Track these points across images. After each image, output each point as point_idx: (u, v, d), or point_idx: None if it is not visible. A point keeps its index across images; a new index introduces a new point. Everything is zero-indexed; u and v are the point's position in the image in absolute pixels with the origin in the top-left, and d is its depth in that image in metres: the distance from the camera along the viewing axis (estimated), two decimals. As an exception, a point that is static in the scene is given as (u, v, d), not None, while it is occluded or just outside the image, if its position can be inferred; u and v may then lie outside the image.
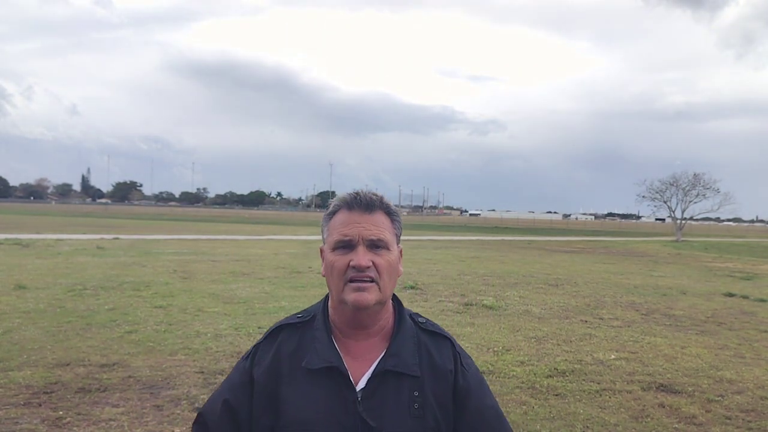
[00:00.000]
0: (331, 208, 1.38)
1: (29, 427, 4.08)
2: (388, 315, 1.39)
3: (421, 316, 1.45)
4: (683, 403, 5.08)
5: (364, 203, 1.34)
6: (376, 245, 1.32)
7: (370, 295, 1.29)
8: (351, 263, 1.29)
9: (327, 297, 1.43)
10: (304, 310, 1.45)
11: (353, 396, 1.29)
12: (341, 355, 1.33)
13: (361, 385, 1.31)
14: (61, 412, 4.34)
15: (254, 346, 1.42)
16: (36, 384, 4.92)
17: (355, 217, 1.33)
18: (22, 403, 4.50)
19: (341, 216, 1.35)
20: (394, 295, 1.42)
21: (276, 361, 1.35)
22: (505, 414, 1.45)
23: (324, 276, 1.36)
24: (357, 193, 1.36)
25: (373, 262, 1.30)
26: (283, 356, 1.36)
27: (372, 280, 1.30)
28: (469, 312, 9.12)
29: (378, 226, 1.33)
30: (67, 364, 5.49)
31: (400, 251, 1.40)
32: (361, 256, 1.29)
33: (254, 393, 1.34)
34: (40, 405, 4.48)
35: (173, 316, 7.88)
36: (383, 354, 1.34)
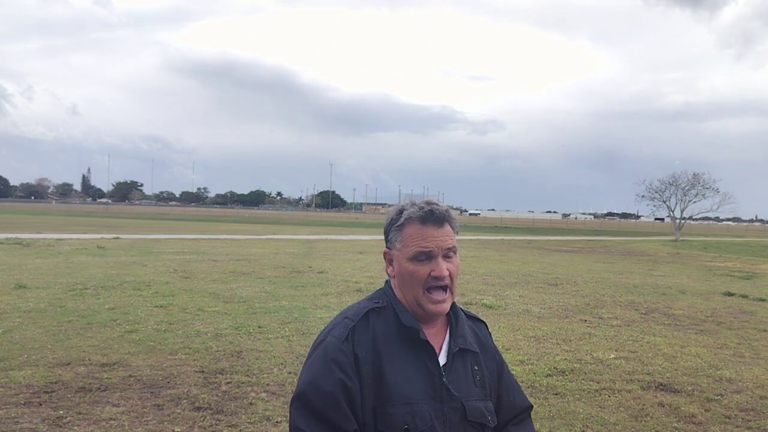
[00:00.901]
0: (401, 220, 1.53)
1: (30, 427, 4.09)
2: None
3: (457, 304, 1.67)
4: (682, 402, 5.09)
5: (437, 219, 1.51)
6: (449, 253, 1.52)
7: (446, 305, 1.53)
8: (432, 273, 1.49)
9: (389, 288, 1.58)
10: (374, 296, 1.59)
11: (438, 370, 1.49)
12: None
13: (442, 360, 1.52)
14: (61, 412, 4.35)
15: (348, 328, 1.49)
16: (36, 383, 4.93)
17: (431, 231, 1.50)
18: (22, 402, 4.51)
19: (415, 229, 1.51)
20: None
21: (374, 340, 1.48)
22: None
23: (392, 276, 1.57)
24: (431, 210, 1.51)
25: (447, 270, 1.50)
26: (379, 336, 1.49)
27: (446, 288, 1.51)
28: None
29: (449, 235, 1.53)
30: (68, 364, 5.50)
31: None
32: (442, 267, 1.50)
33: (361, 371, 1.45)
34: (41, 404, 4.49)
35: (174, 316, 7.89)
36: (448, 335, 1.57)
